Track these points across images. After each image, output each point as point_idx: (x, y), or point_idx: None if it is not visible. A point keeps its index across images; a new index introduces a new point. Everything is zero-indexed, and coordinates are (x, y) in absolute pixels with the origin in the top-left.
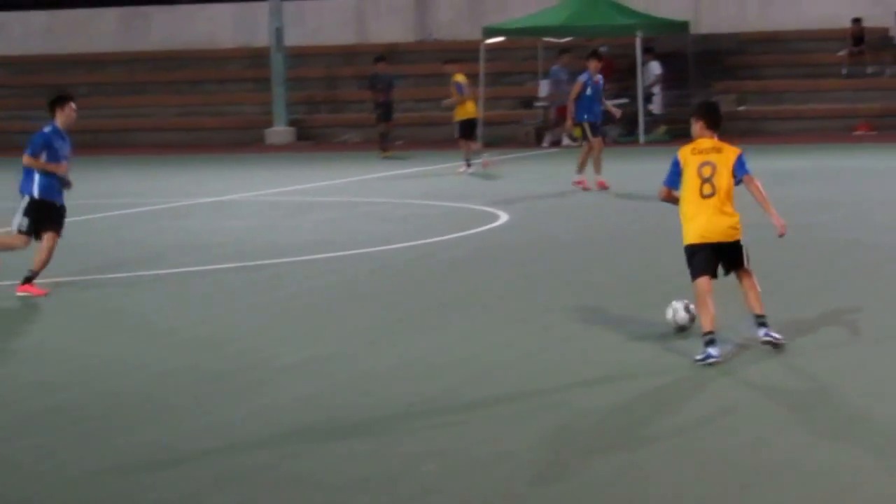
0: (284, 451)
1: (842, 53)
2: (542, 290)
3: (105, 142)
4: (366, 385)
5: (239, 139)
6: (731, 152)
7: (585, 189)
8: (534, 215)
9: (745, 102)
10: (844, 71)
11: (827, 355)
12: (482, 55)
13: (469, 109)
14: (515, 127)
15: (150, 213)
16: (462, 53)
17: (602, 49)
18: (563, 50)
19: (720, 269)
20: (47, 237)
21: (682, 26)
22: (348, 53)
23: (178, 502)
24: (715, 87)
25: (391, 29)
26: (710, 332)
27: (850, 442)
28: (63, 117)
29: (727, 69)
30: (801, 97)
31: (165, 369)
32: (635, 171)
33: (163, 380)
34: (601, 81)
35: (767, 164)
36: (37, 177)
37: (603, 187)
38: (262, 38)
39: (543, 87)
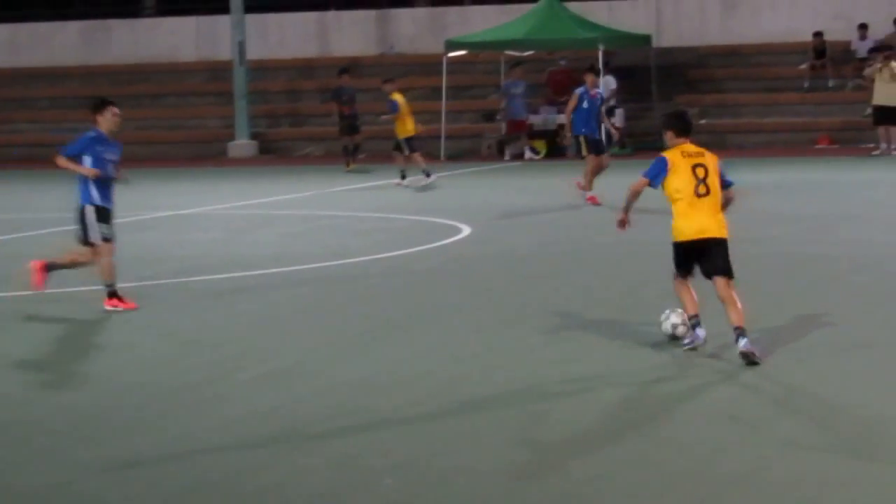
0: (247, 465)
1: (803, 67)
2: (505, 303)
3: None
4: (328, 398)
5: (201, 153)
6: (712, 157)
7: (595, 204)
8: (496, 228)
9: (706, 116)
10: (806, 84)
11: (791, 365)
12: (444, 68)
13: (409, 127)
14: (477, 140)
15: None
16: (424, 67)
17: (561, 62)
18: (515, 63)
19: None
20: (104, 248)
21: (645, 39)
22: (310, 67)
23: None
24: (677, 100)
25: (353, 42)
26: (696, 315)
27: (816, 451)
28: (105, 122)
29: (689, 83)
30: (762, 111)
31: (127, 382)
32: (599, 184)
33: (124, 393)
34: (599, 95)
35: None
36: (91, 184)
37: (594, 203)
38: (223, 52)
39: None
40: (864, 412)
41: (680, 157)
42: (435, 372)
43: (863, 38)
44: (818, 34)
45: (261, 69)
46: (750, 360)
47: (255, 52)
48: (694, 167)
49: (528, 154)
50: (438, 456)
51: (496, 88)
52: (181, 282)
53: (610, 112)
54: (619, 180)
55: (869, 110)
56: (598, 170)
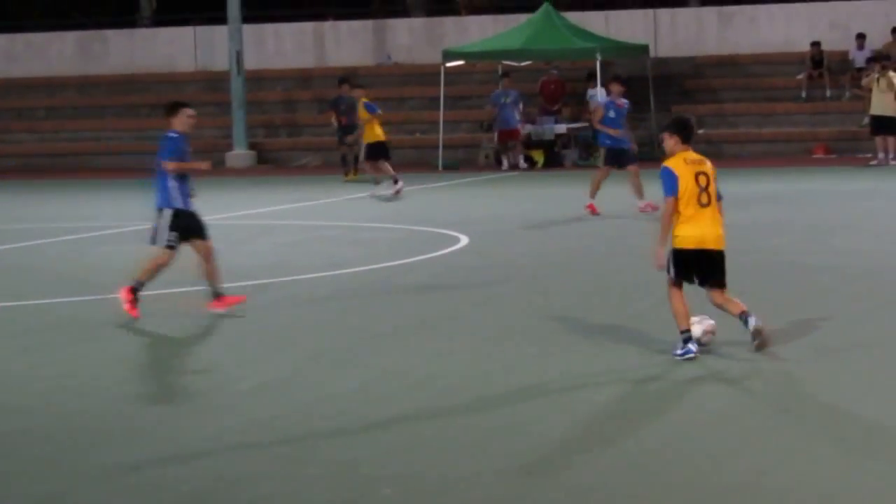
0: (245, 474)
1: (800, 77)
2: (503, 313)
3: (63, 165)
4: (324, 408)
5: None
6: (711, 165)
7: (647, 211)
8: (494, 238)
9: (703, 126)
10: (803, 94)
11: (790, 369)
12: (442, 78)
13: (378, 132)
14: (474, 150)
15: (108, 236)
16: (421, 77)
17: (553, 72)
18: (504, 73)
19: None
20: (201, 247)
21: (642, 49)
22: (307, 77)
23: None
24: (674, 110)
25: (350, 52)
26: (688, 329)
27: (818, 456)
28: (180, 124)
29: (686, 92)
30: (759, 120)
31: (127, 392)
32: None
33: (124, 402)
34: (626, 105)
35: (724, 188)
36: (172, 187)
37: (592, 212)
38: (221, 62)
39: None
40: (864, 417)
41: (683, 165)
42: (434, 380)
43: (860, 47)
44: (815, 44)
45: (258, 79)
46: (761, 339)
47: (252, 62)
48: (697, 175)
49: (521, 164)
50: (437, 465)
51: (489, 99)
52: (178, 292)
53: None
54: (616, 190)
55: (866, 120)
56: (596, 176)
